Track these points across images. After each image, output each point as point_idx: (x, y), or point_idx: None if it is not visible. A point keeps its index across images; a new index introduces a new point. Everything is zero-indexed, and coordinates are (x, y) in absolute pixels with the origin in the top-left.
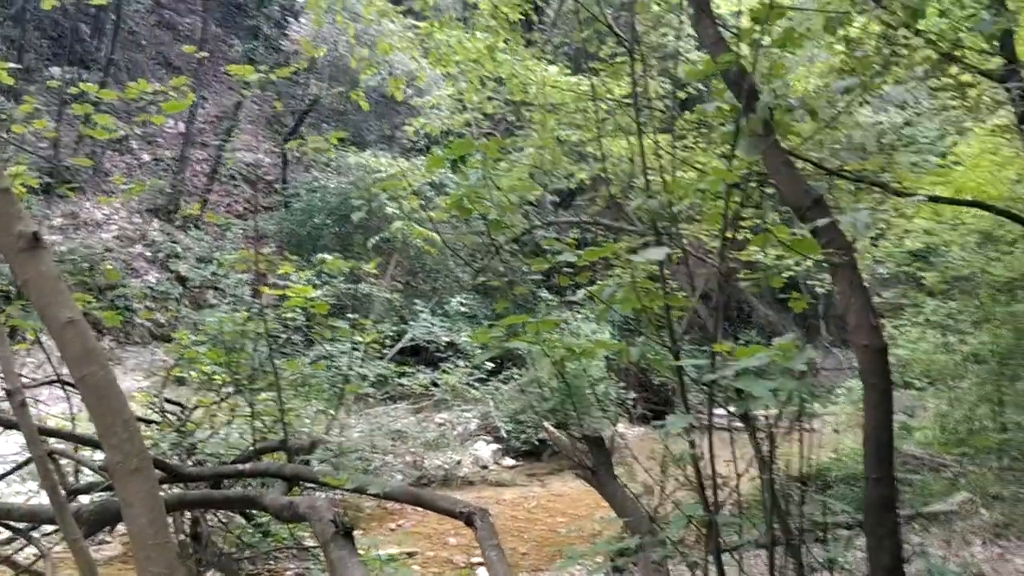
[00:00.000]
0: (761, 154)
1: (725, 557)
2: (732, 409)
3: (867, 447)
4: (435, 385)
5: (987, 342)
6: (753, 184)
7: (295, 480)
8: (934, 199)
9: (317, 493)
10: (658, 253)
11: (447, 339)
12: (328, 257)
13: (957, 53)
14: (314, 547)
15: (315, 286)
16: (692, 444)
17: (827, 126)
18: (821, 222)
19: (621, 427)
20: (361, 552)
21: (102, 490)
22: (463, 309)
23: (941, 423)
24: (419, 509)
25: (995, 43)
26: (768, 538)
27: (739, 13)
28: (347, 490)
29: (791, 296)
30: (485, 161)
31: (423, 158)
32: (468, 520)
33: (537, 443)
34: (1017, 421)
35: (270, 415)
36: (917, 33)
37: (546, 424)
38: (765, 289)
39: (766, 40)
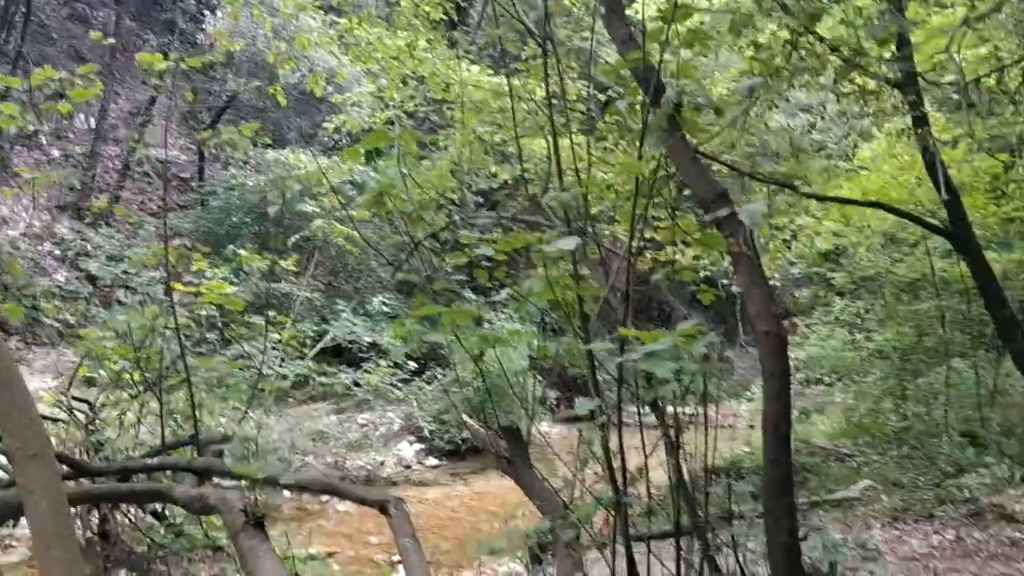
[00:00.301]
0: (668, 149)
1: (640, 546)
2: (641, 395)
3: (766, 430)
4: (357, 385)
5: (891, 339)
6: (664, 180)
7: (206, 474)
8: (840, 200)
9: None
10: (569, 243)
11: (369, 339)
12: (242, 252)
13: (861, 61)
14: (229, 547)
15: (232, 283)
16: (603, 427)
17: (732, 124)
18: (722, 213)
19: (544, 426)
20: (279, 551)
21: (5, 487)
22: (386, 309)
23: (847, 416)
24: (339, 509)
25: (894, 51)
26: (674, 516)
27: (646, 20)
28: (259, 481)
29: (701, 289)
30: (402, 156)
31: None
32: (382, 508)
33: (460, 443)
34: (917, 413)
35: (182, 413)
36: (821, 40)
37: (464, 416)
38: (685, 290)
39: (673, 39)
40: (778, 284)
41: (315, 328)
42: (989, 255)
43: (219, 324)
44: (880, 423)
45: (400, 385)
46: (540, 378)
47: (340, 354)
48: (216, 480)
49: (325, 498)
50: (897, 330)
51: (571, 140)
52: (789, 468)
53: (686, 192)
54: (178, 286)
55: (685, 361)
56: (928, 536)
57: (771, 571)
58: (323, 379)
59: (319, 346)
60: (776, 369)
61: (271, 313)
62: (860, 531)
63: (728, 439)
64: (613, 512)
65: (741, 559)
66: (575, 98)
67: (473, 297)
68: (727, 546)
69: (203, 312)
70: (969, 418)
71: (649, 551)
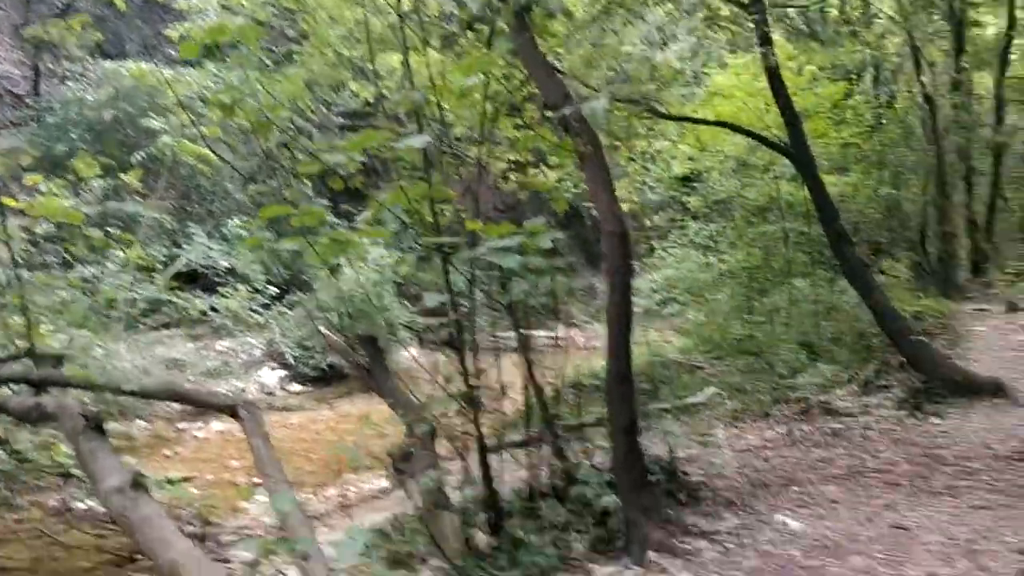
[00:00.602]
0: (518, 49)
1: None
2: (496, 296)
3: (609, 323)
4: (214, 310)
5: (740, 260)
6: (518, 86)
7: (43, 385)
8: (693, 120)
9: None
10: (419, 141)
11: (226, 264)
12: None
13: None
14: (78, 472)
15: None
16: (458, 323)
17: (587, 32)
18: (568, 111)
19: (413, 351)
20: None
21: None
22: (242, 232)
23: (699, 331)
24: (197, 436)
25: None
26: (525, 411)
27: None
28: (100, 388)
29: (552, 196)
30: (247, 57)
31: (191, 69)
32: (232, 412)
33: (326, 368)
34: (761, 326)
35: (17, 331)
36: None
37: (321, 328)
38: (550, 217)
39: None
40: (637, 208)
41: (166, 252)
42: (829, 179)
43: (57, 243)
44: (727, 336)
45: (260, 310)
46: (406, 303)
47: (195, 279)
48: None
49: (182, 425)
50: (746, 251)
51: (426, 53)
52: (629, 359)
53: (548, 115)
54: (9, 201)
55: (533, 257)
56: (763, 431)
57: (613, 453)
58: (177, 300)
59: (172, 269)
60: (619, 264)
61: (114, 231)
62: (704, 430)
63: (588, 357)
64: (466, 407)
65: (587, 449)
66: (436, 14)
67: (336, 221)
68: (575, 439)
69: (39, 229)
70: (806, 330)
71: (502, 454)
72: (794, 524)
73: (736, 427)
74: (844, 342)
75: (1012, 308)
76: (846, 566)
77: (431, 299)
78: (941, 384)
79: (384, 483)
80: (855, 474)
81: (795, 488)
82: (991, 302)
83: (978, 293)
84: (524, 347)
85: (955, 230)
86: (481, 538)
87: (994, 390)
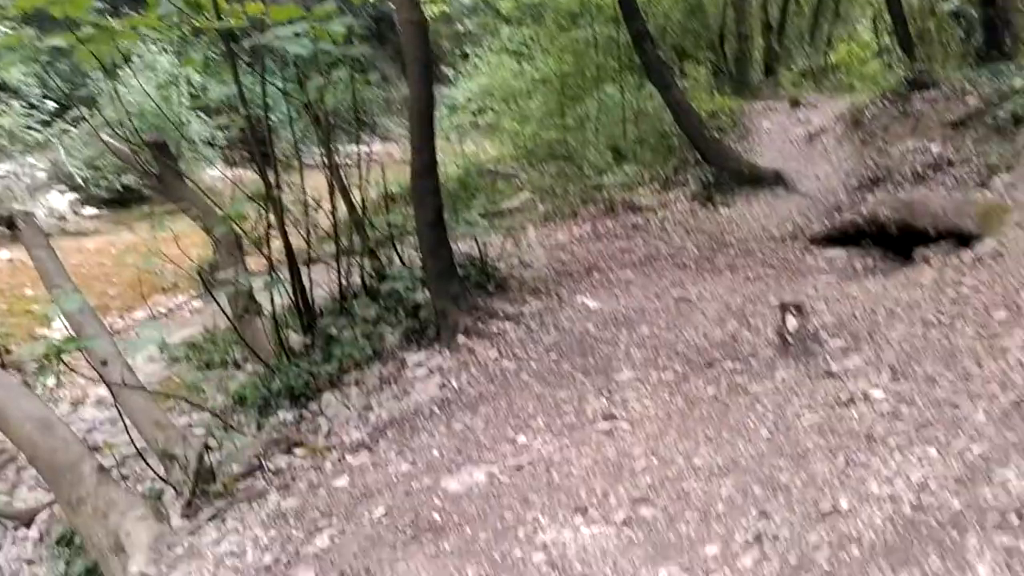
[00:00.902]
0: None
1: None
2: (291, 91)
3: (410, 119)
4: None
5: (553, 66)
6: None
7: None
8: None
9: None
10: None
11: None
12: None
13: None
14: None
15: None
16: (249, 121)
17: None
18: None
19: (218, 168)
20: None
21: None
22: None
23: (513, 139)
24: None
25: None
26: (333, 219)
27: None
28: None
29: None
30: None
31: None
32: (9, 223)
33: (122, 189)
34: (572, 132)
35: None
36: None
37: (104, 137)
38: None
39: None
40: (449, 13)
41: None
42: None
43: None
44: (540, 143)
45: (39, 128)
46: (206, 117)
47: None
48: None
49: None
50: (559, 58)
51: None
52: (432, 152)
53: None
54: None
55: (325, 45)
56: (571, 229)
57: (420, 247)
58: None
59: None
60: (417, 55)
61: None
62: (517, 230)
63: (405, 170)
64: (267, 210)
65: (398, 248)
66: None
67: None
68: (387, 242)
69: None
70: (614, 134)
71: (310, 263)
72: (592, 304)
73: (547, 227)
74: (648, 143)
75: (795, 104)
76: (635, 333)
77: (216, 92)
78: (730, 176)
79: (196, 301)
80: (650, 260)
81: (596, 275)
82: (778, 100)
83: (768, 91)
84: (330, 156)
85: (750, 32)
86: (295, 339)
87: (775, 180)
